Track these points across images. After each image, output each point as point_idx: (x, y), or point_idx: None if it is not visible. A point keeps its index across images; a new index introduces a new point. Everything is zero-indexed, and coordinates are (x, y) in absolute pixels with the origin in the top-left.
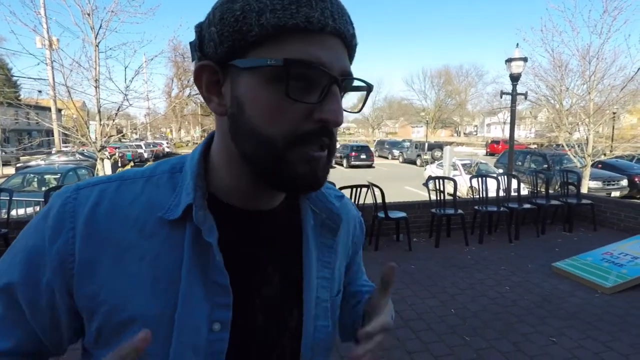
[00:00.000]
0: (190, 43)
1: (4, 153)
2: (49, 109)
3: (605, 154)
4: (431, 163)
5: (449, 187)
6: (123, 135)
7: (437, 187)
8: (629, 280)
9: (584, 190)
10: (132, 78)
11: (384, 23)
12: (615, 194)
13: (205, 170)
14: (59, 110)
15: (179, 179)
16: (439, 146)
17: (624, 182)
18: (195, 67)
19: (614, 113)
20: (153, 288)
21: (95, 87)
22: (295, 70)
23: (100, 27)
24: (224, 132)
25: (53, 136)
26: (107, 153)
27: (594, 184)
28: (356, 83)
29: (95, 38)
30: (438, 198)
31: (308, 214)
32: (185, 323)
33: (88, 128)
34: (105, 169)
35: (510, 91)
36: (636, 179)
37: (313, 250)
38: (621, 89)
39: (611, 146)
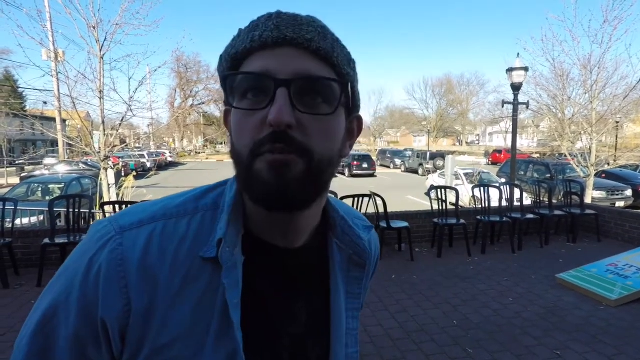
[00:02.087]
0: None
1: (11, 162)
2: (53, 119)
3: (608, 164)
4: (433, 172)
5: (451, 197)
6: (126, 145)
7: (440, 197)
8: (635, 292)
9: (587, 200)
10: (136, 89)
11: (385, 32)
12: (620, 204)
13: (244, 202)
14: (63, 121)
15: (219, 214)
16: (441, 155)
17: (629, 192)
18: (224, 110)
19: (617, 122)
20: (192, 331)
21: (100, 98)
22: (232, 83)
23: (105, 40)
24: None
25: (57, 146)
26: (110, 163)
27: (598, 194)
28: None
29: (100, 50)
30: (440, 208)
31: (334, 251)
32: None
33: (92, 138)
34: (109, 178)
35: (512, 100)
36: None
37: (341, 285)
38: (624, 97)
39: (615, 155)
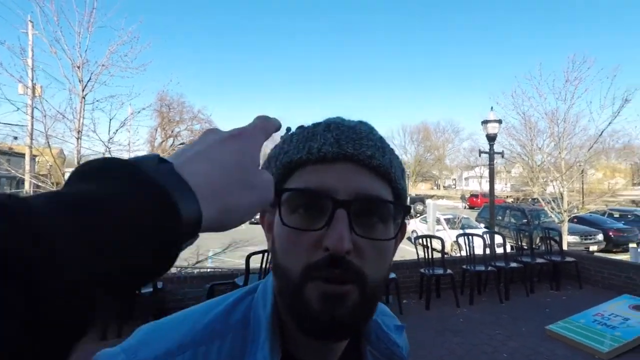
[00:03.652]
0: None
1: None
2: (23, 155)
3: (578, 208)
4: (414, 217)
5: (435, 244)
6: None
7: (425, 245)
8: (624, 343)
9: (564, 245)
10: (117, 130)
11: (366, 79)
12: (593, 248)
13: (280, 318)
14: (33, 157)
15: (249, 333)
16: (421, 199)
17: (600, 237)
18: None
19: (582, 170)
20: None
21: (77, 138)
22: (289, 198)
23: (89, 80)
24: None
25: (23, 185)
26: None
27: (572, 239)
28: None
29: (83, 90)
30: (426, 257)
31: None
32: None
33: (63, 175)
34: None
35: (488, 150)
36: (610, 234)
37: None
38: (588, 149)
39: (582, 201)
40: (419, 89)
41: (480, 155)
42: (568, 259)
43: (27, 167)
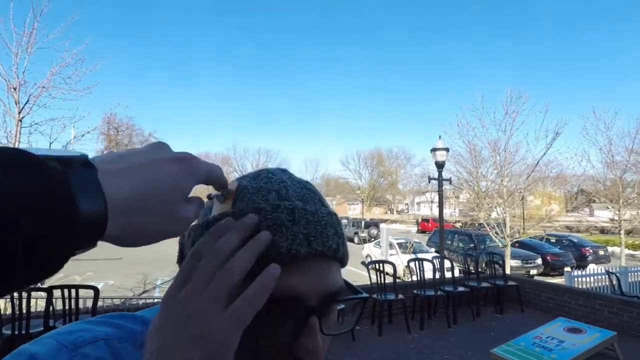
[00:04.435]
0: None
1: None
2: None
3: (519, 233)
4: (369, 241)
5: (387, 268)
6: None
7: (378, 270)
8: None
9: (507, 268)
10: None
11: (320, 103)
12: (534, 271)
13: None
14: None
15: None
16: (375, 224)
17: (539, 261)
18: None
19: (522, 197)
20: None
21: None
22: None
23: (27, 102)
24: None
25: None
26: None
27: (515, 263)
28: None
29: (19, 113)
30: (379, 282)
31: None
32: None
33: None
34: None
35: (437, 177)
36: (548, 258)
37: None
38: (527, 176)
39: (523, 227)
40: (373, 116)
41: (429, 182)
42: (510, 282)
43: None
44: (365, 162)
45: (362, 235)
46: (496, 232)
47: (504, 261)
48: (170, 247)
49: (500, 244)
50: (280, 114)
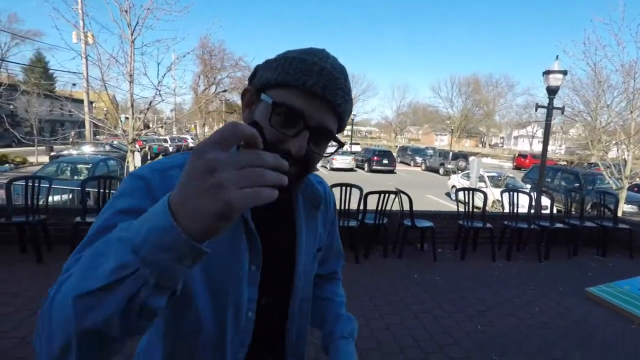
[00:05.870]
0: (250, 76)
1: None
2: (81, 101)
3: None
4: (455, 173)
5: (477, 200)
6: (150, 130)
7: (466, 199)
8: None
9: (619, 212)
10: (165, 74)
11: (412, 29)
12: None
13: None
14: (90, 103)
15: None
16: (464, 156)
17: None
18: (245, 88)
19: None
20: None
21: (130, 82)
22: (278, 108)
23: (136, 24)
24: None
25: (84, 127)
26: (137, 146)
27: (629, 208)
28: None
29: (132, 34)
30: (466, 210)
31: (299, 197)
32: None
33: (121, 121)
34: (135, 161)
35: (546, 104)
36: None
37: (303, 220)
38: None
39: None
40: (471, 37)
41: (536, 111)
42: (621, 225)
43: (86, 109)
44: (460, 88)
45: (449, 166)
46: (611, 172)
47: (617, 203)
48: None
49: (614, 186)
50: (366, 33)
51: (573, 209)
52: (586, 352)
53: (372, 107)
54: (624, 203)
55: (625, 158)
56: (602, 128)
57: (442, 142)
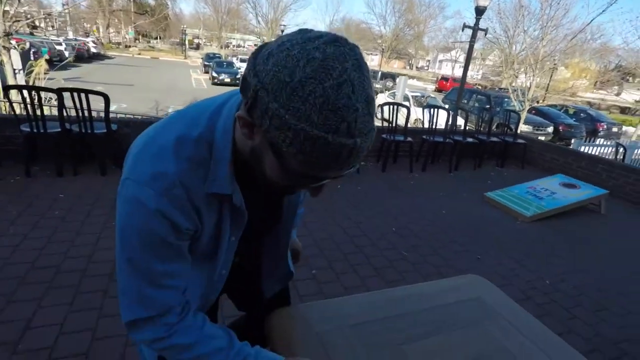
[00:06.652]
0: (244, 83)
1: None
2: None
3: (538, 102)
4: (382, 92)
5: (400, 117)
6: (35, 28)
7: (390, 114)
8: (545, 211)
9: (518, 131)
10: None
11: None
12: (541, 138)
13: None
14: None
15: (211, 165)
16: (392, 76)
17: (550, 129)
18: (240, 113)
19: (555, 65)
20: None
21: None
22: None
23: None
24: (245, 146)
25: None
26: (13, 42)
27: (525, 128)
28: None
29: None
30: (390, 125)
31: None
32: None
33: None
34: (13, 61)
35: (473, 25)
36: (560, 128)
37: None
38: (571, 38)
39: (545, 96)
40: None
41: (462, 30)
42: (519, 141)
43: None
44: (394, 6)
45: (377, 86)
46: (517, 95)
47: (518, 121)
48: (178, 78)
49: (518, 108)
50: None
51: (482, 127)
52: (480, 244)
53: (303, 20)
54: (523, 123)
55: (529, 84)
56: (516, 55)
57: (372, 61)
